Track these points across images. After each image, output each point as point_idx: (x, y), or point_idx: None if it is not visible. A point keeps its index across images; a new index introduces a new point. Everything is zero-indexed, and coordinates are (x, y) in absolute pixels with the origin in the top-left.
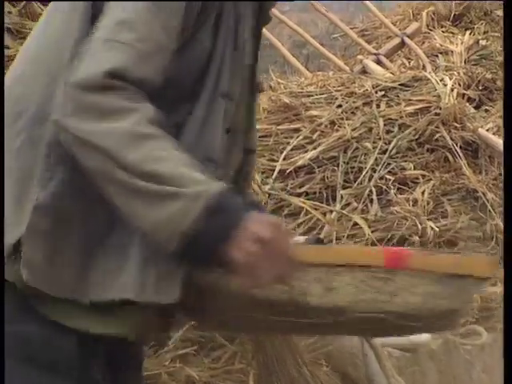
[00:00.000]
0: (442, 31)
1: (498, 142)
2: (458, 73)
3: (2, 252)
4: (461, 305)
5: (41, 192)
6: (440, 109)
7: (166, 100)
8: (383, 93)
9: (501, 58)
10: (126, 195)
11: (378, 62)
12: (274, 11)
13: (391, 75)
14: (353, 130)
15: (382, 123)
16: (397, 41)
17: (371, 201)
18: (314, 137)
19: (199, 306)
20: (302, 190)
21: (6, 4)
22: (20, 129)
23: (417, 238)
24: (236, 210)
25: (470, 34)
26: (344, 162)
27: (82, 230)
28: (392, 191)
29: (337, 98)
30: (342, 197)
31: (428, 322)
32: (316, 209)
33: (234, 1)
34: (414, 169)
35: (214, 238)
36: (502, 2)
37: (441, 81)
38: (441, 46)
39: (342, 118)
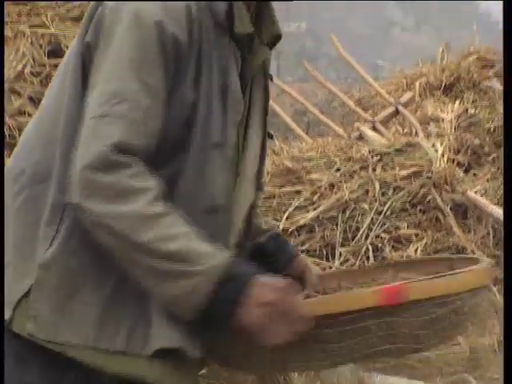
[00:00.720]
0: (434, 100)
1: (486, 203)
2: (449, 139)
3: (2, 256)
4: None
5: (46, 249)
6: (432, 173)
7: (158, 154)
8: (379, 157)
9: (488, 125)
10: (142, 273)
11: (374, 129)
12: (277, 82)
13: (386, 141)
14: (351, 192)
15: (377, 186)
16: (391, 109)
17: (368, 258)
18: (315, 198)
19: (226, 352)
20: (304, 247)
21: (28, 74)
22: (21, 186)
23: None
24: (242, 279)
25: (460, 103)
26: (342, 222)
27: (92, 281)
28: (387, 249)
29: (336, 163)
30: (340, 254)
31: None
32: (317, 265)
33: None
34: (408, 228)
35: (224, 308)
36: (489, 73)
37: (432, 146)
38: (432, 114)
39: (341, 181)
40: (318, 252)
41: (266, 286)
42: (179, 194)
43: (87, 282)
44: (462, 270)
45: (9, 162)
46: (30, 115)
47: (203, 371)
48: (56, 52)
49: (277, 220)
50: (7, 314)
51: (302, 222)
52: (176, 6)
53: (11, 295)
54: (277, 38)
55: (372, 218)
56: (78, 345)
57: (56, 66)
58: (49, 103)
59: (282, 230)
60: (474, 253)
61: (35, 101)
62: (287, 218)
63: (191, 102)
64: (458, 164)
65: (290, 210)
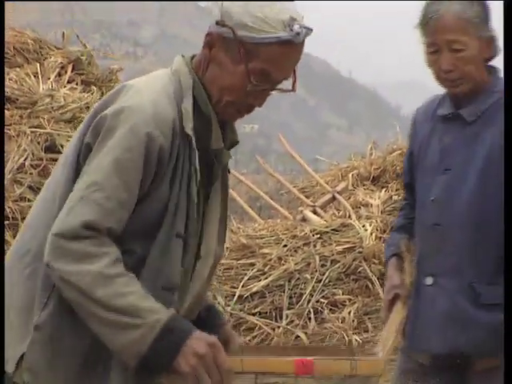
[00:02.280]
0: (364, 189)
1: None
2: (376, 221)
3: (2, 256)
4: None
5: (40, 313)
6: (362, 248)
7: (135, 239)
8: (319, 236)
9: None
10: (98, 324)
11: (315, 212)
12: (235, 173)
13: (325, 222)
14: (295, 264)
15: (317, 259)
16: (329, 196)
17: (309, 319)
18: (266, 269)
19: None
20: (256, 310)
21: (28, 166)
22: (27, 264)
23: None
24: (182, 332)
25: (385, 191)
26: (289, 289)
27: (77, 340)
28: (325, 311)
29: (283, 240)
30: (287, 316)
31: None
32: (267, 325)
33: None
34: (343, 294)
35: (165, 355)
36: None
37: (363, 227)
38: (363, 199)
39: (287, 255)
40: (268, 314)
41: (201, 340)
42: (145, 271)
43: (72, 341)
44: (359, 358)
45: (14, 242)
46: (29, 201)
47: None
48: (51, 148)
49: (234, 287)
50: (11, 368)
51: (255, 289)
52: (165, 120)
53: (15, 352)
54: (235, 143)
55: (313, 286)
56: None
57: (52, 159)
58: (49, 188)
59: (239, 296)
60: None
61: (34, 189)
62: (243, 286)
63: (167, 197)
64: (384, 241)
65: (245, 279)
